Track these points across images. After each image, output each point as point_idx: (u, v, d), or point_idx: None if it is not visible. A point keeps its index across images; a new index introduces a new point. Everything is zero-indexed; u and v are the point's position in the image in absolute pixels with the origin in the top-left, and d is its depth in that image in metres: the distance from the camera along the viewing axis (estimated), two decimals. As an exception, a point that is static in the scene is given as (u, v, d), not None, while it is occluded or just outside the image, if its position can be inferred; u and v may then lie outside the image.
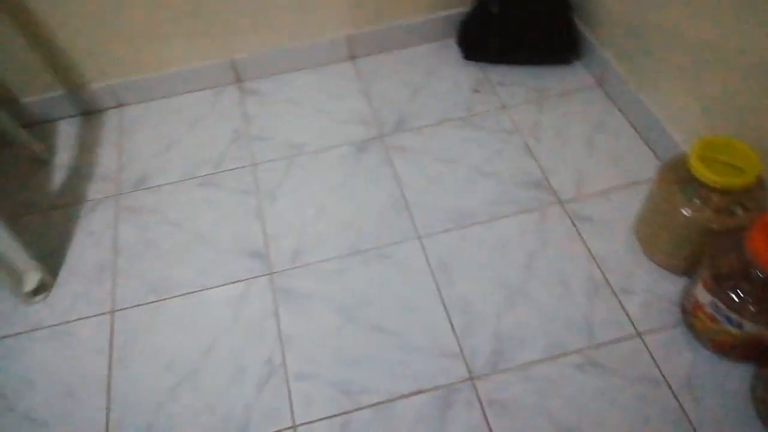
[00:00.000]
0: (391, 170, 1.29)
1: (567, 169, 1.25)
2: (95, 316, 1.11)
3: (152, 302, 1.12)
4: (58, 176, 1.36)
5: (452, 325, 1.04)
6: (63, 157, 1.40)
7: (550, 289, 1.07)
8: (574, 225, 1.16)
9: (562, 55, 1.46)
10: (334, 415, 0.95)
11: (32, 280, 1.13)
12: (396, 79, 1.49)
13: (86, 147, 1.42)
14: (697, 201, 0.93)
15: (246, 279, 1.14)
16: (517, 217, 1.18)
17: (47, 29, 1.31)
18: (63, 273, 1.18)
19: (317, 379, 1.00)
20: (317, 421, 0.95)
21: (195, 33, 1.41)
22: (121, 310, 1.11)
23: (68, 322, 1.11)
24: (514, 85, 1.44)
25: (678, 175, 0.96)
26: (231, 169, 1.33)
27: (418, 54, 1.54)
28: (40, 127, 1.47)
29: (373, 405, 0.96)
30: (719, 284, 0.88)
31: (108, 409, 0.99)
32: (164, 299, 1.12)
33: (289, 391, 0.99)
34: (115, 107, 1.50)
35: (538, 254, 1.12)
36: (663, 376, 0.95)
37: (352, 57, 1.56)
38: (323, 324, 1.06)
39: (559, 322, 1.03)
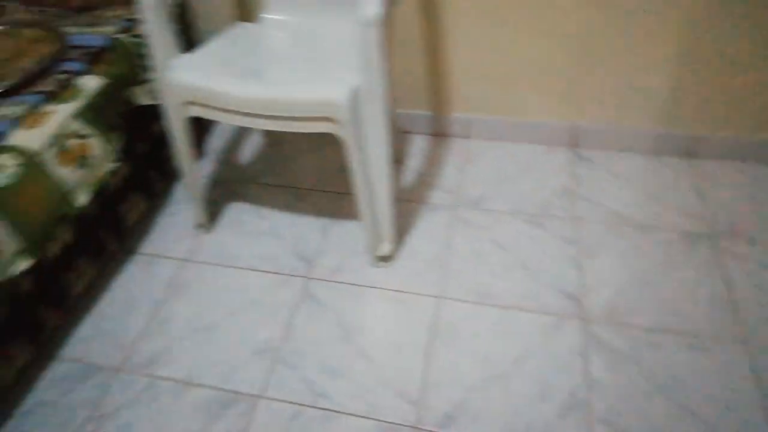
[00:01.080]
0: (720, 270, 1.29)
1: None
2: (424, 295, 1.30)
3: (474, 302, 1.27)
4: (409, 177, 1.63)
5: (777, 442, 0.99)
6: (414, 164, 1.68)
7: None
8: None
9: None
10: (639, 471, 0.97)
11: (385, 248, 1.36)
12: (733, 185, 1.49)
13: (434, 162, 1.68)
14: None
15: (558, 314, 1.23)
16: None
17: (442, 62, 1.61)
18: (403, 253, 1.40)
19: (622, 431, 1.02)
20: (619, 468, 0.98)
21: (550, 92, 1.59)
22: (447, 298, 1.28)
23: (402, 291, 1.31)
24: None
25: None
26: (555, 216, 1.46)
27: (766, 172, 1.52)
28: (401, 135, 1.78)
29: (682, 480, 0.95)
30: None
31: (425, 371, 1.14)
32: (484, 304, 1.26)
33: (591, 430, 1.03)
34: (462, 137, 1.75)
35: None
36: None
37: (690, 154, 1.60)
38: (633, 385, 1.09)
39: None
